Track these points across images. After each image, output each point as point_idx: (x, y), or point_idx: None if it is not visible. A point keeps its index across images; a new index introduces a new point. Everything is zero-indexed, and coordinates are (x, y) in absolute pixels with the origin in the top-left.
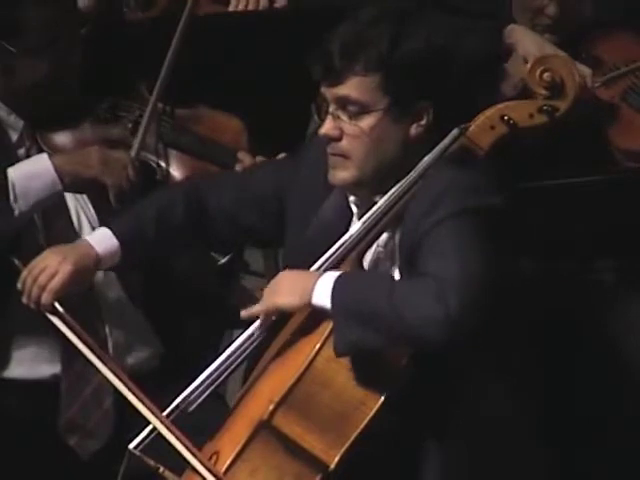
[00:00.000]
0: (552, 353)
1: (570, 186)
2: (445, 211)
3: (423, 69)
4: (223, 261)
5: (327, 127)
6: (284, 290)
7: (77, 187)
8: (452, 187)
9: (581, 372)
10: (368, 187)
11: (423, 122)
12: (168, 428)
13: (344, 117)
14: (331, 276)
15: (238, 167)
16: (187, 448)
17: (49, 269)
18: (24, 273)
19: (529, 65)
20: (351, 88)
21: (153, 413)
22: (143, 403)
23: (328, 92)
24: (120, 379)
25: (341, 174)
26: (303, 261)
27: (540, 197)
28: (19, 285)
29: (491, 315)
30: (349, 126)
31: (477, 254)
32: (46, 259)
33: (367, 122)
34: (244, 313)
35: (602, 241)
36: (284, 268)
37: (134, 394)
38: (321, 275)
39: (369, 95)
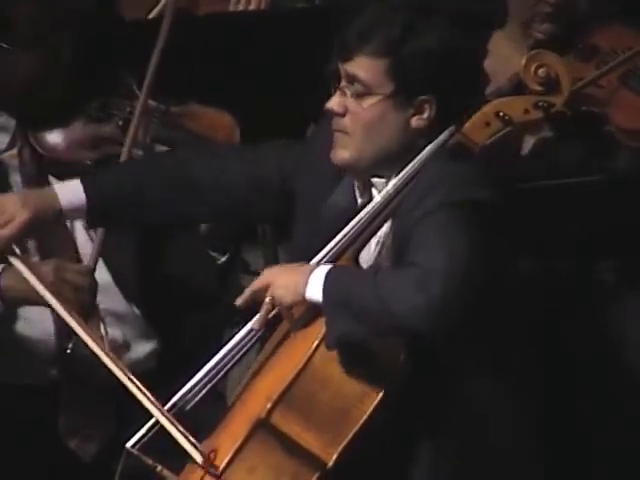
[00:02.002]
0: (552, 353)
1: (569, 186)
2: (432, 204)
3: (432, 64)
4: (222, 260)
5: (333, 102)
6: (279, 286)
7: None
8: (441, 181)
9: (581, 372)
10: (367, 170)
11: (425, 115)
12: (138, 388)
13: (350, 94)
14: (323, 270)
15: None
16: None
17: (6, 215)
18: None
19: (524, 61)
20: (359, 67)
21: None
22: (100, 348)
23: (341, 67)
24: (81, 326)
25: (341, 153)
26: (312, 248)
27: (540, 197)
28: None
29: (483, 310)
30: (353, 104)
31: (463, 245)
32: (6, 203)
33: (369, 103)
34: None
35: (602, 241)
36: (292, 255)
37: (92, 339)
38: (314, 269)
39: (375, 77)
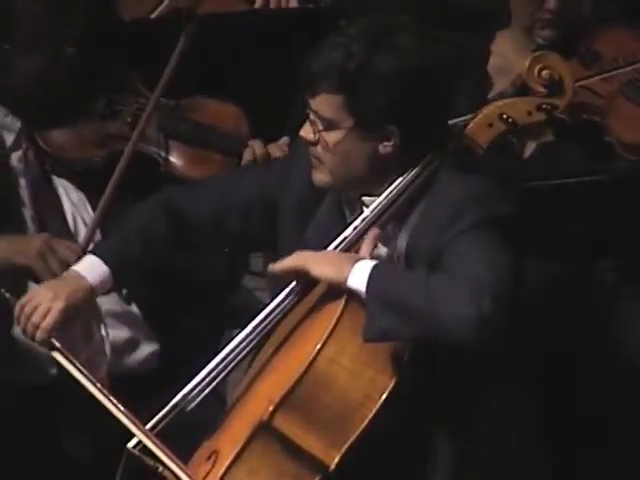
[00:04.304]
0: (552, 353)
1: (569, 186)
2: (466, 224)
3: (388, 95)
4: None
5: (305, 130)
6: (323, 261)
7: (6, 271)
8: (468, 198)
9: (581, 372)
10: (347, 190)
11: (391, 143)
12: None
13: (319, 126)
14: (369, 262)
15: (248, 154)
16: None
17: (41, 308)
18: (17, 310)
19: (527, 63)
20: (320, 104)
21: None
22: (137, 426)
23: (309, 101)
24: (122, 412)
25: (318, 176)
26: None
27: (540, 197)
28: (16, 321)
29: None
30: (321, 136)
31: (501, 258)
32: (37, 296)
33: (333, 137)
34: (272, 267)
35: (602, 241)
36: None
37: (132, 422)
38: (359, 259)
39: (335, 113)
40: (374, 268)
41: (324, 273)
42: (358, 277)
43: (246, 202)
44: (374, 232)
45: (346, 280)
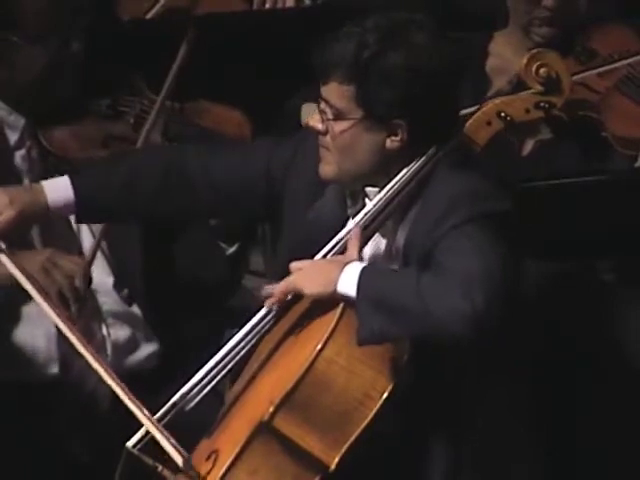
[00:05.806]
0: (552, 353)
1: (569, 186)
2: (459, 218)
3: (398, 89)
4: (232, 250)
5: (313, 119)
6: (312, 278)
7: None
8: (464, 193)
9: (581, 372)
10: (353, 183)
11: (398, 137)
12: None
13: (328, 115)
14: (357, 266)
15: None
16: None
17: None
18: None
19: (524, 60)
20: (331, 93)
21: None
22: (84, 346)
23: (320, 88)
24: (64, 324)
25: (325, 168)
26: (302, 253)
27: (540, 197)
28: None
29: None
30: (330, 125)
31: (495, 254)
32: None
33: (341, 127)
34: (264, 291)
35: (602, 241)
36: (283, 255)
37: (73, 334)
38: (347, 264)
39: (345, 103)
40: (363, 270)
41: (315, 292)
42: (347, 282)
43: (253, 176)
44: (356, 231)
45: (336, 287)
